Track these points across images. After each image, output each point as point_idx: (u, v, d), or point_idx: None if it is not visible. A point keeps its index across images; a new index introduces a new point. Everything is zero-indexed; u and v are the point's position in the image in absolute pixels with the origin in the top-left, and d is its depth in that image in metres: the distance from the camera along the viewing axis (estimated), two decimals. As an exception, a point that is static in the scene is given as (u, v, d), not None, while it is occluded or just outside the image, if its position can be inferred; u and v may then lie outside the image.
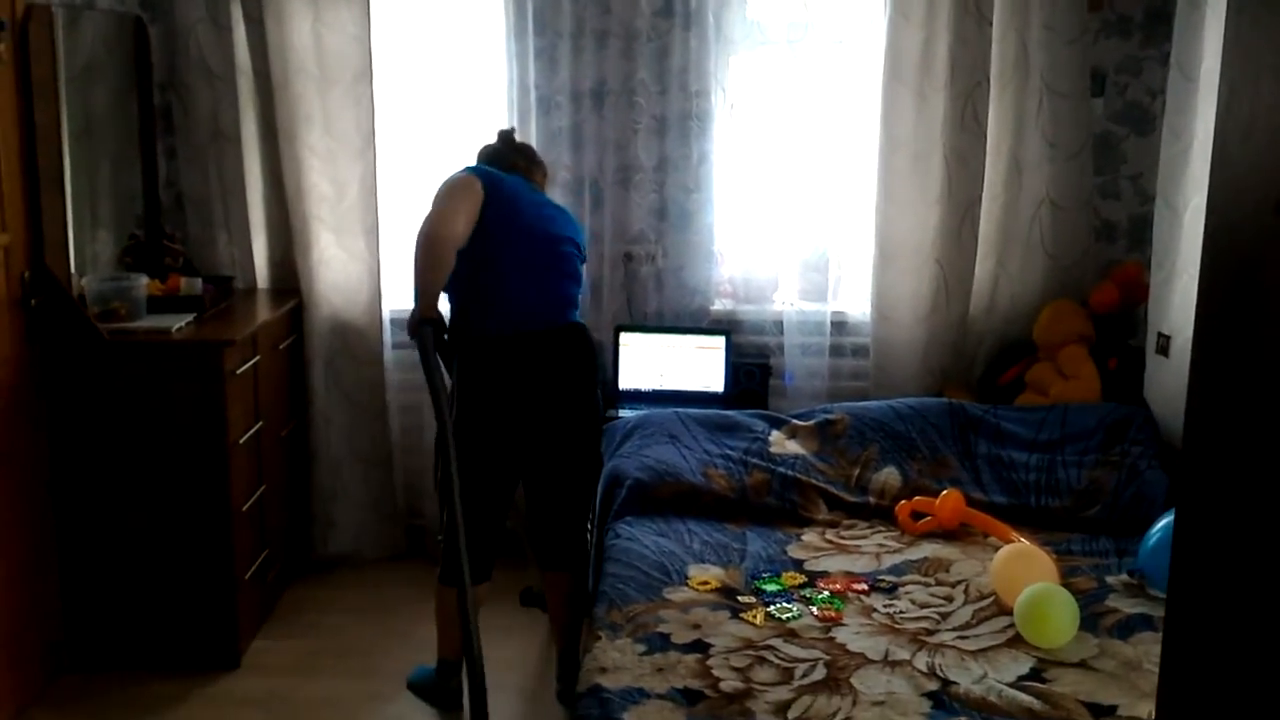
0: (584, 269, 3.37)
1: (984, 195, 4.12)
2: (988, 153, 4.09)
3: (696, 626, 2.81)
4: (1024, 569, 2.91)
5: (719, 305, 4.36)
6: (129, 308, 3.61)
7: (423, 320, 3.06)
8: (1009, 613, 2.83)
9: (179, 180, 4.22)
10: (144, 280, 3.72)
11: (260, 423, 3.77)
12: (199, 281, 3.90)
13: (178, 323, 3.60)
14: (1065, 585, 2.88)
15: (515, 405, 3.15)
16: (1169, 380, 3.66)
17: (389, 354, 4.27)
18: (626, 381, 4.25)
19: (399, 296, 4.24)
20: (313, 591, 4.14)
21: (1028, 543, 3.16)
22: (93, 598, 3.55)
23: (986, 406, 3.82)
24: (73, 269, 3.59)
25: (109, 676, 3.52)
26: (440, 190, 3.12)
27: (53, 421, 3.46)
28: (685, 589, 3.01)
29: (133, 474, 3.49)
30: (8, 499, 3.27)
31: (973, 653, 2.70)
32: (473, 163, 3.34)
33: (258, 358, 3.74)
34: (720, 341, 4.22)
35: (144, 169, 4.08)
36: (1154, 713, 2.38)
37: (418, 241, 3.06)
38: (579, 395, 3.24)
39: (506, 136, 3.45)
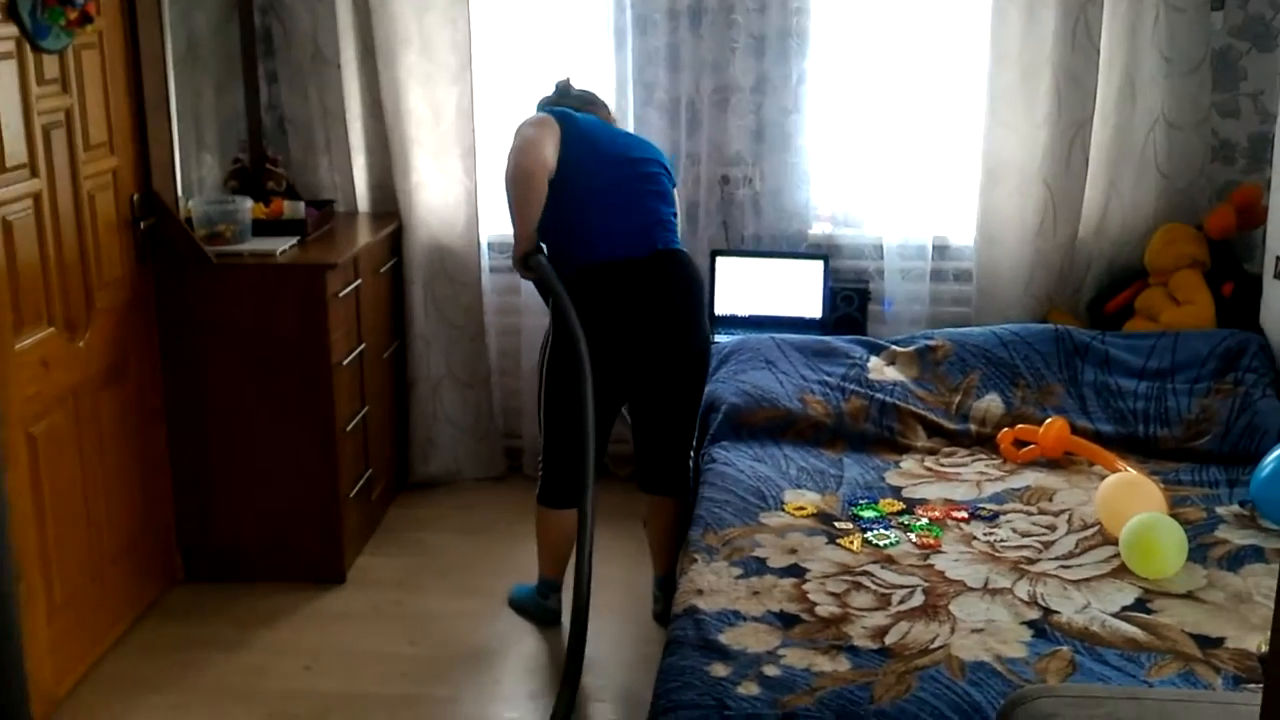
0: (675, 192, 3.33)
1: (1095, 114, 3.98)
2: (1100, 70, 3.94)
3: (793, 551, 2.81)
4: (1131, 498, 2.85)
5: (817, 229, 4.29)
6: (235, 230, 3.67)
7: (527, 253, 3.10)
8: (1114, 543, 2.78)
9: (280, 104, 4.26)
10: (249, 203, 3.77)
11: (362, 345, 3.83)
12: (301, 205, 3.95)
13: (281, 246, 3.66)
14: (1173, 515, 2.81)
15: (614, 333, 3.15)
16: (1288, 307, 3.53)
17: (486, 277, 4.29)
18: (723, 306, 4.22)
19: (496, 220, 4.25)
20: (414, 510, 4.22)
21: (1135, 472, 3.09)
22: (204, 512, 3.66)
23: (1094, 333, 3.73)
24: (179, 192, 3.66)
25: (220, 588, 3.64)
26: (517, 131, 3.13)
27: (164, 340, 3.56)
28: (781, 514, 3.01)
29: (241, 393, 3.57)
30: (122, 414, 3.37)
31: (1075, 582, 2.66)
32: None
33: (359, 281, 3.78)
34: (818, 266, 4.16)
35: (246, 93, 4.12)
36: (1264, 645, 2.33)
37: (507, 175, 3.08)
38: (680, 321, 3.21)
39: (564, 86, 3.42)
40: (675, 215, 3.29)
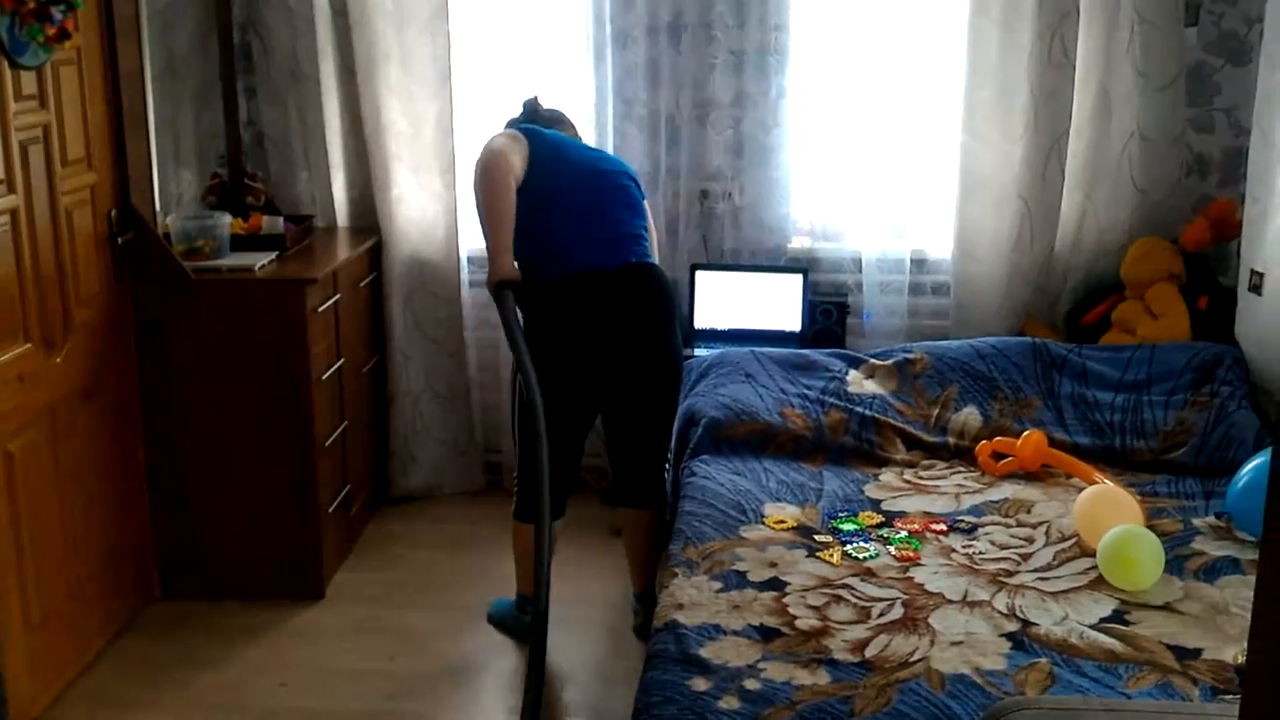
0: (646, 205, 3.35)
1: (1071, 129, 4.01)
2: (1076, 85, 3.97)
3: (773, 565, 2.81)
4: (1108, 510, 2.86)
5: (796, 243, 4.31)
6: (213, 246, 3.66)
7: (500, 283, 3.03)
8: (1092, 554, 2.79)
9: (259, 119, 4.26)
10: (227, 219, 3.77)
11: (341, 359, 3.82)
12: (280, 220, 3.95)
13: (260, 261, 3.65)
14: (1150, 527, 2.83)
15: (586, 346, 3.16)
16: (1262, 319, 3.56)
17: (466, 291, 4.29)
18: (702, 320, 4.23)
19: (475, 234, 4.21)
20: (393, 526, 4.21)
21: (1112, 484, 3.11)
22: (182, 529, 3.64)
23: (1071, 346, 3.75)
24: (158, 208, 3.65)
25: (198, 605, 3.62)
26: (484, 146, 3.14)
27: (142, 356, 3.54)
28: (761, 527, 3.01)
29: (219, 409, 3.56)
30: (99, 431, 3.36)
31: (1054, 594, 2.67)
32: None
33: (338, 295, 3.78)
34: (797, 280, 4.17)
35: (225, 108, 4.11)
36: (1241, 656, 2.35)
37: (475, 185, 3.09)
38: (652, 335, 3.22)
39: (531, 105, 3.43)
40: (646, 228, 3.29)
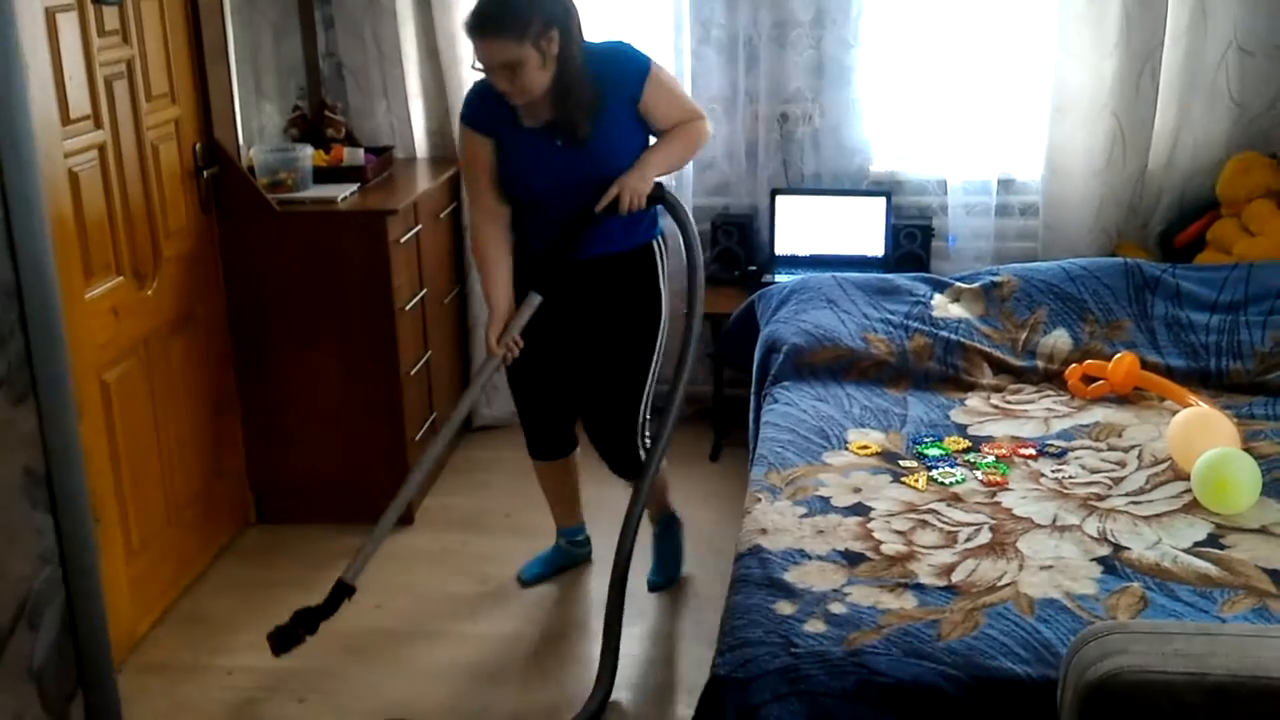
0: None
1: (1166, 41, 3.87)
2: (1171, -6, 3.83)
3: (857, 490, 2.80)
4: (1203, 433, 2.80)
5: (879, 165, 4.23)
6: (296, 178, 3.70)
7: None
8: (1186, 478, 2.73)
9: (337, 50, 4.26)
10: (309, 151, 3.80)
11: (424, 290, 3.85)
12: (361, 152, 3.97)
13: (342, 193, 3.68)
14: (1247, 450, 2.76)
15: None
16: (1367, 236, 3.43)
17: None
18: (783, 246, 4.19)
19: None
20: (477, 453, 4.26)
21: (1206, 406, 3.04)
22: (274, 456, 3.73)
23: (1164, 266, 3.65)
24: (241, 141, 3.68)
25: (291, 530, 3.71)
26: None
27: (230, 287, 3.60)
28: (845, 453, 2.99)
29: (307, 339, 3.62)
30: (191, 361, 3.43)
31: (1146, 518, 2.62)
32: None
33: (419, 226, 3.80)
34: (880, 203, 4.10)
35: (304, 39, 4.12)
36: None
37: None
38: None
39: None
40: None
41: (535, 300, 2.98)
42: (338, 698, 2.97)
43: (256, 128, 3.95)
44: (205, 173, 3.47)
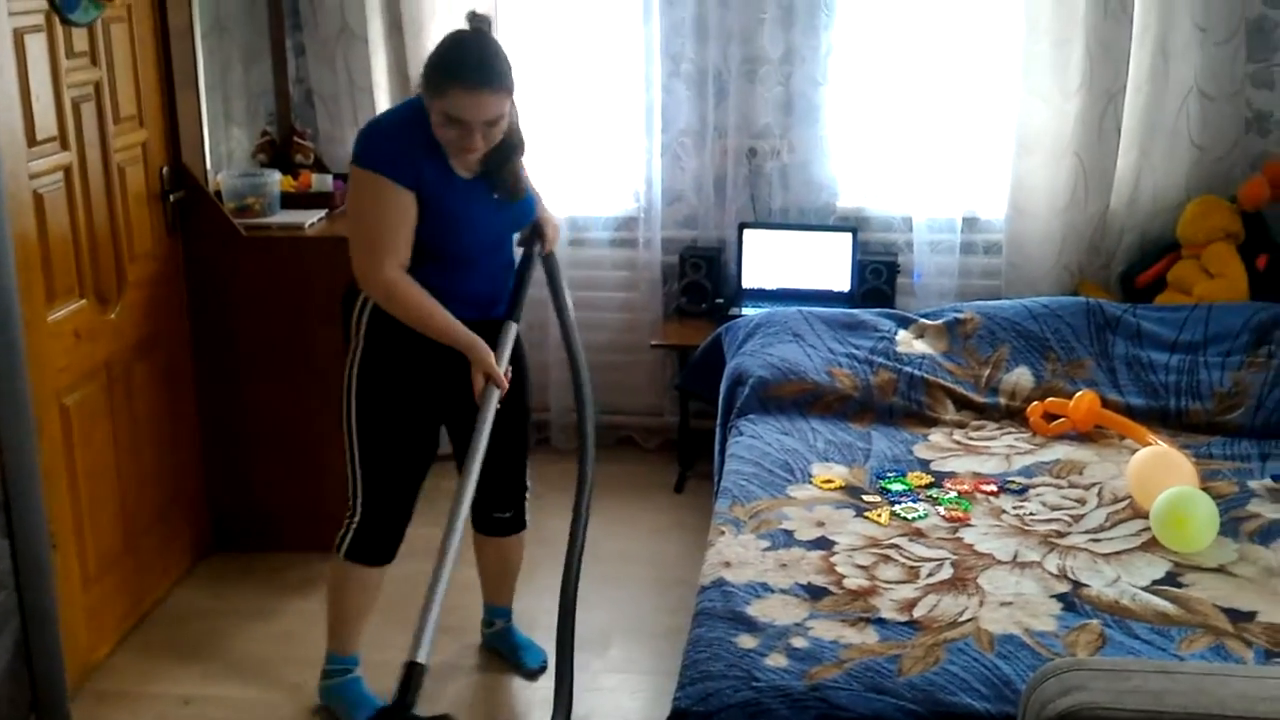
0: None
1: (1128, 84, 3.93)
2: (1133, 40, 3.89)
3: (820, 524, 2.81)
4: (1162, 472, 2.83)
5: (845, 202, 4.27)
6: (263, 203, 3.69)
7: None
8: (1145, 516, 2.76)
9: (308, 77, 4.26)
10: (277, 176, 3.79)
11: (390, 317, 3.83)
12: (329, 178, 3.96)
13: (310, 219, 3.67)
14: (1205, 489, 2.79)
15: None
16: (1323, 279, 3.49)
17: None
18: (750, 280, 4.21)
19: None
20: (444, 480, 4.18)
21: (1166, 445, 3.07)
22: (236, 483, 3.69)
23: (1126, 305, 3.70)
24: (209, 165, 3.67)
25: (252, 557, 3.67)
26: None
27: (194, 312, 3.58)
28: (809, 487, 3.01)
29: (272, 365, 3.59)
30: (154, 386, 3.40)
31: (1105, 555, 2.65)
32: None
33: (386, 253, 3.78)
34: (847, 239, 4.14)
35: (274, 66, 4.13)
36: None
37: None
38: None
39: (477, 25, 2.67)
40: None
41: (514, 330, 2.82)
42: (296, 729, 2.94)
43: (225, 153, 3.94)
44: (172, 197, 3.45)
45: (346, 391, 2.81)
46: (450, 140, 2.61)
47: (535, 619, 3.30)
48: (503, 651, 3.24)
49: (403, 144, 2.63)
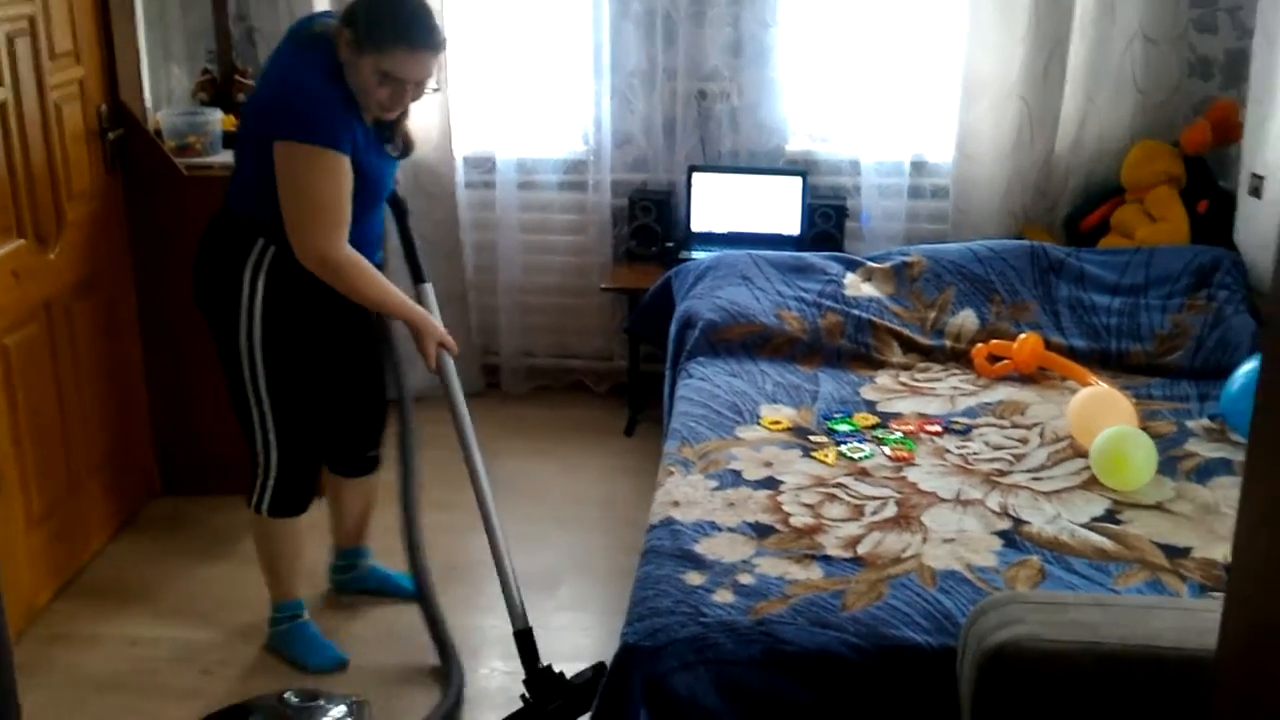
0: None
1: (1074, 29, 3.95)
2: (1079, -16, 3.91)
3: (768, 464, 2.83)
4: (1102, 411, 2.88)
5: (795, 145, 4.27)
6: (205, 142, 3.63)
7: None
8: (1085, 455, 2.81)
9: (249, 14, 4.18)
10: (219, 115, 3.72)
11: (336, 259, 3.79)
12: (273, 117, 3.89)
13: (253, 158, 3.61)
14: (1144, 429, 2.85)
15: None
16: (1261, 223, 3.55)
17: (461, 192, 4.25)
18: (700, 223, 4.21)
19: (471, 135, 4.21)
20: (393, 425, 4.21)
21: (1106, 386, 3.12)
22: (181, 426, 3.66)
23: (1069, 249, 3.74)
24: (148, 103, 3.60)
25: (198, 500, 3.65)
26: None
27: (136, 252, 3.52)
28: (757, 428, 3.03)
29: (214, 308, 3.54)
30: (96, 326, 3.35)
31: (1046, 494, 2.70)
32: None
33: (332, 194, 3.74)
34: (796, 182, 4.14)
35: (214, 2, 4.03)
36: (1229, 555, 2.38)
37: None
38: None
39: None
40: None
41: (430, 289, 2.88)
42: (242, 670, 2.94)
43: (164, 91, 3.87)
44: (110, 135, 3.38)
45: (247, 352, 2.72)
46: (380, 98, 2.60)
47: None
48: (372, 587, 3.24)
49: (335, 110, 2.57)
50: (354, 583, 3.25)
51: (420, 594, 2.97)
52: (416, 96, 2.65)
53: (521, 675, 2.69)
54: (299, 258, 2.61)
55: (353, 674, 2.93)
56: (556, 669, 2.69)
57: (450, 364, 2.84)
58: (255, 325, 2.70)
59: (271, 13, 4.12)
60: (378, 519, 3.24)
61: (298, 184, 2.57)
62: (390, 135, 2.75)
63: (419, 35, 2.56)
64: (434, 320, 2.80)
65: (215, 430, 3.65)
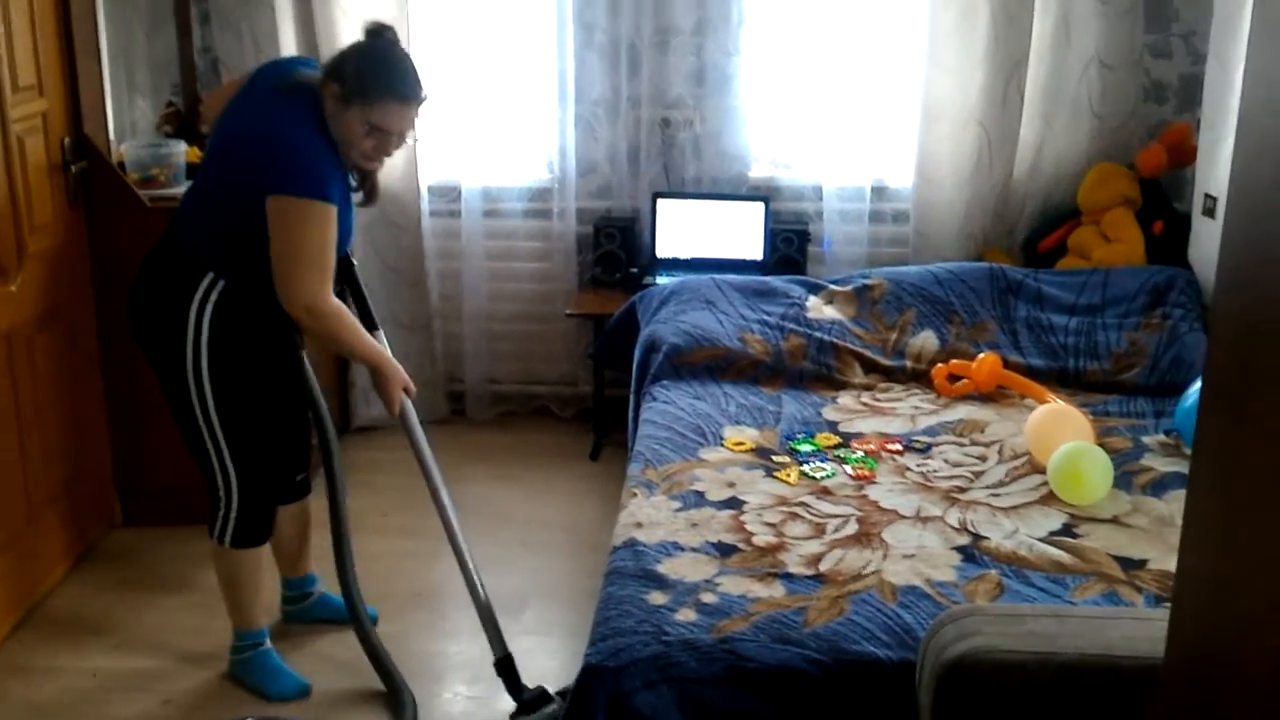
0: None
1: (1031, 54, 4.02)
2: (1035, 10, 3.98)
3: (731, 485, 2.85)
4: (1059, 428, 2.92)
5: (758, 171, 4.31)
6: (169, 174, 3.63)
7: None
8: (1042, 471, 2.84)
9: (213, 45, 4.20)
10: (183, 147, 3.73)
11: (301, 288, 3.79)
12: (236, 148, 3.90)
13: (216, 188, 3.61)
14: (1100, 445, 2.88)
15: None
16: (1214, 243, 3.58)
17: (426, 221, 4.27)
18: (664, 249, 4.24)
19: (436, 165, 4.23)
20: (356, 454, 4.22)
21: (1063, 403, 3.16)
22: (141, 456, 3.64)
23: (1027, 270, 3.79)
24: (112, 136, 3.60)
25: (158, 532, 3.63)
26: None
27: (98, 284, 3.51)
28: (721, 449, 3.05)
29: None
30: (57, 358, 3.34)
31: (1005, 509, 2.72)
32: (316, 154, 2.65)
33: (296, 223, 3.74)
34: (759, 208, 4.18)
35: (178, 34, 4.05)
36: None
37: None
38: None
39: (392, 36, 2.70)
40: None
41: (382, 335, 2.92)
42: (203, 698, 2.92)
43: (128, 123, 3.87)
44: (74, 167, 3.38)
45: (195, 385, 2.71)
46: (366, 149, 2.66)
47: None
48: (325, 616, 3.21)
49: (327, 164, 2.62)
50: (306, 613, 3.23)
51: (354, 622, 2.95)
52: (398, 146, 2.72)
53: (486, 700, 2.69)
54: (285, 306, 2.62)
55: (312, 701, 2.91)
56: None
57: (410, 407, 2.87)
58: (202, 359, 2.69)
59: (236, 45, 4.14)
60: (316, 545, 3.21)
61: (291, 237, 2.58)
62: (362, 183, 2.80)
63: (408, 88, 2.63)
64: (399, 369, 2.82)
65: (175, 462, 3.61)
